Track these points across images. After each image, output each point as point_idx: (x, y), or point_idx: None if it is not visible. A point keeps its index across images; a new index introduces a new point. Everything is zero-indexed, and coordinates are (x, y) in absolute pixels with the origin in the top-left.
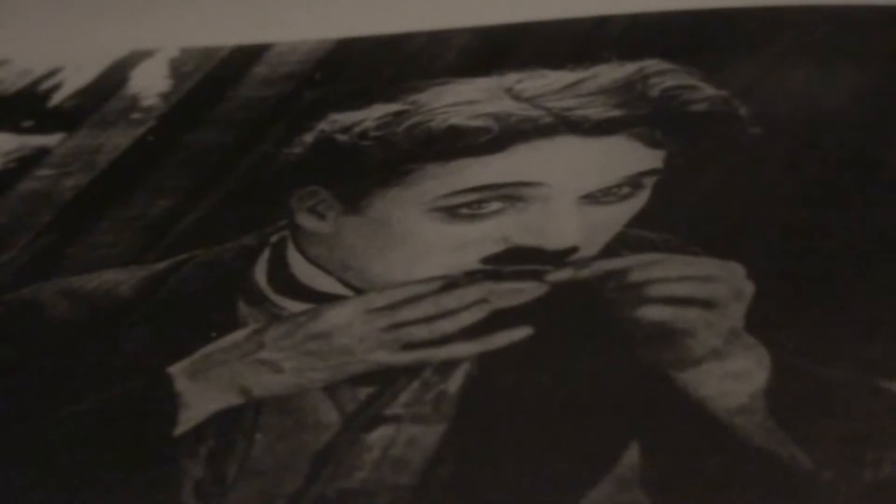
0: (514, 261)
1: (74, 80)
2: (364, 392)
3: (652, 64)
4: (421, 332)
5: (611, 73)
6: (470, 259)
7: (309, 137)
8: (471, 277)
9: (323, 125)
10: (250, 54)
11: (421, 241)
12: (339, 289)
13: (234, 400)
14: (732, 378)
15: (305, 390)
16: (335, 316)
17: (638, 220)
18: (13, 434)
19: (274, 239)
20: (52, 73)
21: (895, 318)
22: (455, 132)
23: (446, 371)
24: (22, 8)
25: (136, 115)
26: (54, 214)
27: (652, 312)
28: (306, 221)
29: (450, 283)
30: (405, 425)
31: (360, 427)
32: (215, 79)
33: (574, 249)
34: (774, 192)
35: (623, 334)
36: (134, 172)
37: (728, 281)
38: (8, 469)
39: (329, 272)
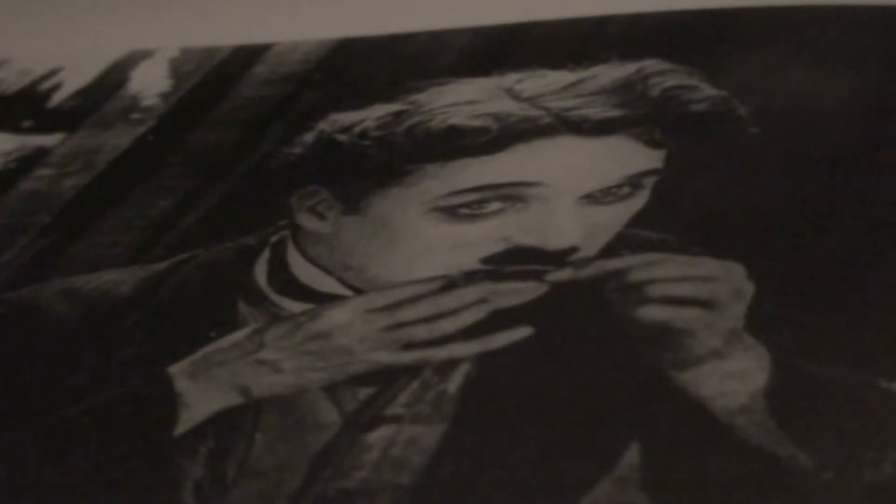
0: (514, 261)
1: (74, 80)
2: (364, 392)
3: (652, 64)
4: (421, 332)
5: (611, 73)
6: (470, 259)
7: (309, 137)
8: (471, 277)
9: (323, 125)
10: (250, 54)
11: (421, 241)
12: (339, 289)
13: (234, 400)
14: (732, 378)
15: (305, 390)
16: (335, 316)
17: (638, 220)
18: (13, 434)
19: (274, 239)
20: (52, 73)
21: (895, 317)
22: (455, 132)
23: (446, 371)
24: (22, 8)
25: (136, 115)
26: (54, 214)
27: (652, 312)
28: (306, 221)
29: (450, 283)
30: (405, 425)
31: (360, 427)
32: (215, 79)
33: (574, 249)
34: (774, 192)
35: (623, 334)
36: (134, 172)
37: (728, 281)
38: (8, 469)
39: (329, 272)
